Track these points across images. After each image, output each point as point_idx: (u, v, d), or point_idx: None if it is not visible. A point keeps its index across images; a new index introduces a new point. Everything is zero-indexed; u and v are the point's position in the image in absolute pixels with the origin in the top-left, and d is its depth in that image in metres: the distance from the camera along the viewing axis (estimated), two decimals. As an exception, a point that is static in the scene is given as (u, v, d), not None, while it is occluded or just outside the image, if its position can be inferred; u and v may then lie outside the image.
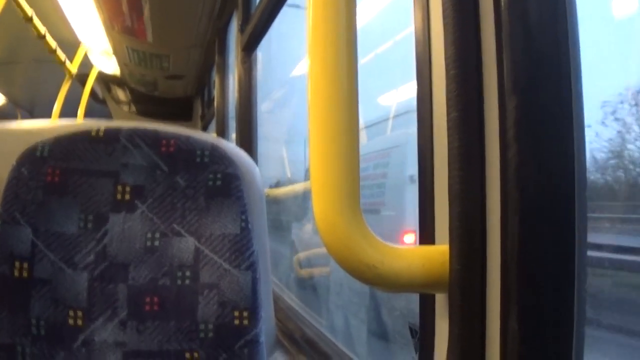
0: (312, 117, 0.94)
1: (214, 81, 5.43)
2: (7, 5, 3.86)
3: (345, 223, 0.92)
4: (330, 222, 0.92)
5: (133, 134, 1.37)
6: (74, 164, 1.34)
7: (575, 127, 0.80)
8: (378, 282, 0.93)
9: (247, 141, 3.47)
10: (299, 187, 4.63)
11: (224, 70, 5.06)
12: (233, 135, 4.24)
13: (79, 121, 1.49)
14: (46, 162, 1.32)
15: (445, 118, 0.91)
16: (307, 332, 2.37)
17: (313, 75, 0.95)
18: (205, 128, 7.29)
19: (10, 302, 1.26)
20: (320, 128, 0.93)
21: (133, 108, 8.80)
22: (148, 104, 8.31)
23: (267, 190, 1.47)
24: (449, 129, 0.90)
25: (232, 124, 4.49)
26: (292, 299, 3.31)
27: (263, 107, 3.98)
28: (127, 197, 1.35)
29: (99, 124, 1.40)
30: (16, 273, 1.27)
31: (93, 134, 1.36)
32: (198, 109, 8.16)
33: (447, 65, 0.90)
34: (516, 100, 0.80)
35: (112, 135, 1.36)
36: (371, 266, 0.91)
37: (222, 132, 5.01)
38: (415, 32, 1.06)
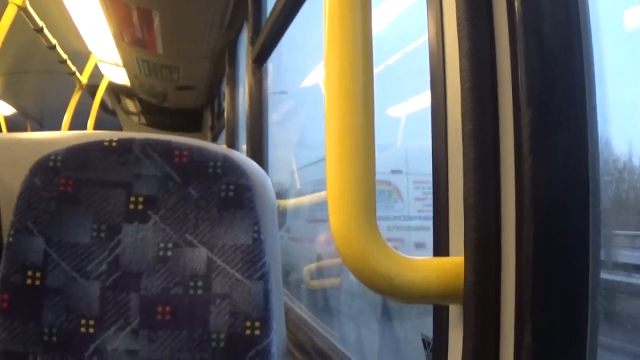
0: (329, 131, 0.94)
1: (224, 92, 5.44)
2: (17, 16, 3.87)
3: (361, 235, 0.92)
4: (346, 233, 0.92)
5: (146, 144, 1.38)
6: (86, 174, 1.34)
7: (589, 140, 0.81)
8: (393, 293, 0.94)
9: (258, 152, 3.47)
10: (310, 198, 4.69)
11: (234, 81, 5.07)
12: (243, 147, 4.25)
13: (90, 132, 1.50)
14: (59, 172, 1.33)
15: (460, 131, 0.91)
16: (318, 342, 2.37)
17: (329, 90, 0.96)
18: (215, 139, 7.30)
19: (22, 310, 1.27)
20: (336, 141, 0.93)
21: (143, 119, 8.82)
22: (158, 114, 8.34)
23: (278, 201, 1.49)
24: (464, 141, 0.90)
25: (242, 135, 4.51)
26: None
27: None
28: (140, 207, 1.36)
29: (111, 135, 1.40)
30: (29, 282, 1.27)
31: (106, 144, 1.37)
32: (208, 120, 8.17)
33: (462, 78, 0.90)
34: (531, 114, 0.80)
35: (125, 146, 1.37)
36: (386, 277, 0.91)
37: (232, 143, 5.02)
38: (430, 45, 1.06)
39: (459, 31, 0.92)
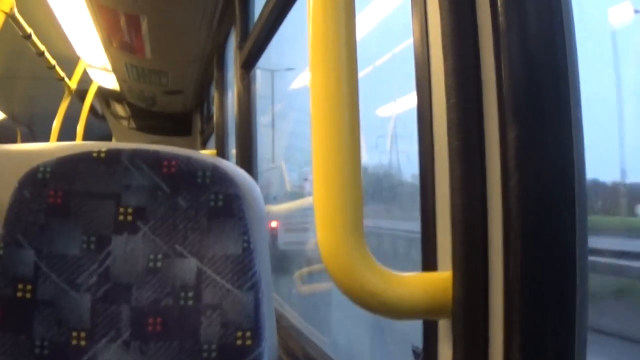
0: (316, 146, 0.95)
1: (213, 96, 5.43)
2: (6, 23, 3.87)
3: (348, 251, 0.92)
4: (334, 249, 0.93)
5: (134, 155, 1.38)
6: (75, 186, 1.34)
7: (576, 155, 0.81)
8: (381, 309, 0.94)
9: (247, 159, 3.46)
10: (299, 203, 4.77)
11: (222, 85, 5.06)
12: (233, 151, 4.24)
13: (79, 142, 1.49)
14: (48, 184, 1.33)
15: (446, 147, 0.92)
16: (310, 350, 2.37)
17: (315, 100, 0.96)
18: (204, 143, 7.30)
19: (13, 323, 1.27)
20: (323, 156, 0.93)
21: (132, 123, 8.79)
22: (147, 119, 8.31)
23: (266, 207, 1.49)
24: (450, 157, 0.90)
25: (232, 139, 4.50)
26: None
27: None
28: (129, 218, 1.36)
29: (100, 145, 1.40)
30: (19, 295, 1.27)
31: (94, 155, 1.36)
32: (197, 124, 8.15)
33: (447, 93, 0.90)
34: (517, 130, 0.80)
35: (113, 157, 1.37)
36: (374, 294, 0.91)
37: (221, 148, 5.01)
38: (416, 60, 1.06)
39: (443, 47, 0.92)
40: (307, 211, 4.69)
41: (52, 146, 1.48)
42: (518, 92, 0.81)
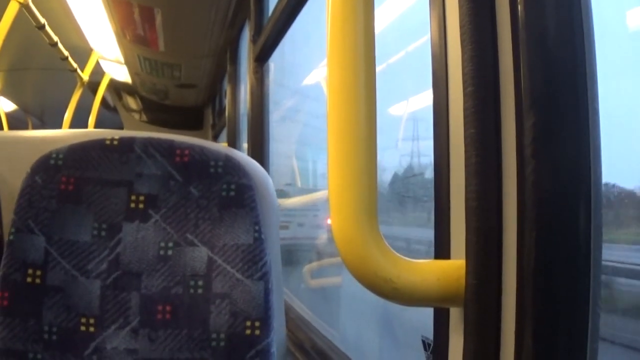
0: (331, 132, 0.94)
1: (226, 90, 5.43)
2: (19, 14, 3.88)
3: (362, 237, 0.92)
4: (348, 235, 0.92)
5: (147, 143, 1.38)
6: (88, 173, 1.34)
7: (592, 144, 0.80)
8: (394, 296, 0.93)
9: (259, 151, 3.47)
10: (312, 197, 4.74)
11: (235, 80, 5.06)
12: (244, 145, 4.24)
13: (92, 130, 1.49)
14: (60, 170, 1.33)
15: (462, 134, 0.91)
16: (318, 342, 2.37)
17: (332, 90, 0.96)
18: (216, 137, 7.30)
19: (22, 308, 1.27)
20: (338, 142, 0.93)
21: (144, 116, 8.81)
22: (159, 112, 8.33)
23: (279, 201, 1.49)
24: (466, 145, 0.90)
25: (244, 134, 4.50)
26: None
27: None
28: (141, 206, 1.36)
29: (113, 133, 1.40)
30: (29, 280, 1.27)
31: (107, 143, 1.36)
32: (209, 118, 8.16)
33: (464, 82, 0.90)
34: (533, 118, 0.80)
35: (126, 145, 1.37)
36: (387, 280, 0.91)
37: (233, 142, 5.01)
38: (432, 48, 1.06)
39: (461, 34, 0.92)
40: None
41: (64, 133, 1.48)
42: (535, 81, 0.81)
